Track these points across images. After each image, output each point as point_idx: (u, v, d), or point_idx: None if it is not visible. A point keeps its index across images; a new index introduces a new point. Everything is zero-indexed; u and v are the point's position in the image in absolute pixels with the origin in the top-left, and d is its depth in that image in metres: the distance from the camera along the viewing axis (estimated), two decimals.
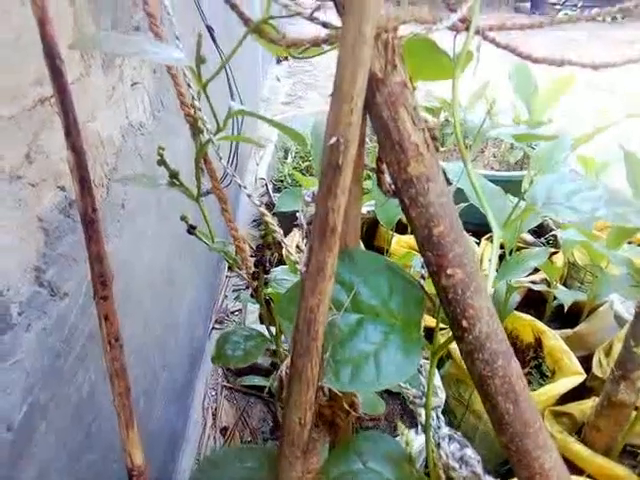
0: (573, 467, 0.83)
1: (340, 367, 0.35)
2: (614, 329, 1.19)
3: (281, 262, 1.50)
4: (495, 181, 1.63)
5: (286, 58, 4.24)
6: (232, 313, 1.45)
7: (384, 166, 0.39)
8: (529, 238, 1.45)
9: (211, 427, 1.10)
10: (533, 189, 0.40)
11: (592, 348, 1.07)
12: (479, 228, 1.27)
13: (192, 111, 0.50)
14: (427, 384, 0.41)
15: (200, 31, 0.41)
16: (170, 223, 0.99)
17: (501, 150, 1.67)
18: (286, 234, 1.46)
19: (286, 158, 2.02)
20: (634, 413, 0.81)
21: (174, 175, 0.54)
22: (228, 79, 1.06)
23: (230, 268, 1.41)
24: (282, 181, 1.76)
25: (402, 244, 1.30)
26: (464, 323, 0.34)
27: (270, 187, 1.67)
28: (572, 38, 4.49)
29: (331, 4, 0.36)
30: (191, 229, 0.58)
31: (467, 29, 0.44)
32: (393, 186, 0.37)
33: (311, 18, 0.39)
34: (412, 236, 1.13)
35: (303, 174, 1.83)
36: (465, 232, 0.36)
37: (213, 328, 1.41)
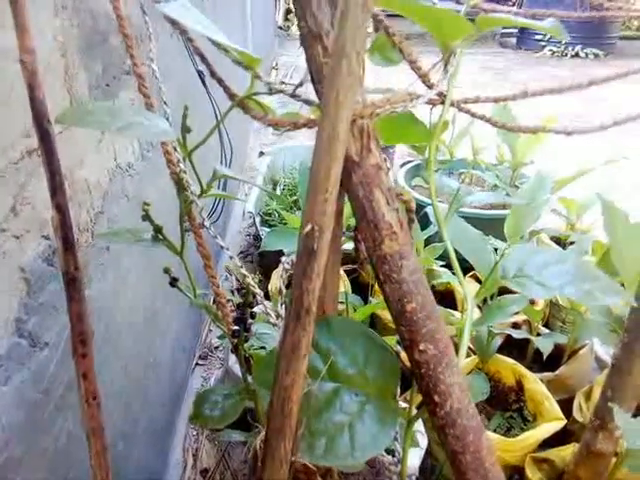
0: None
1: (315, 439, 0.36)
2: (595, 371, 1.20)
3: (266, 298, 1.50)
4: (479, 219, 1.67)
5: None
6: (216, 349, 1.44)
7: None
8: None
9: (192, 468, 1.08)
10: (506, 260, 0.42)
11: (573, 391, 1.08)
12: (462, 264, 1.28)
13: (177, 169, 0.51)
14: (402, 452, 0.41)
15: (186, 105, 0.42)
16: (154, 262, 0.99)
17: (485, 189, 1.71)
18: (272, 269, 1.46)
19: (275, 190, 2.04)
20: (614, 459, 0.82)
21: (158, 230, 0.55)
22: (218, 123, 1.09)
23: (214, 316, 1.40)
24: (270, 214, 1.77)
25: None
26: (436, 398, 0.35)
27: (258, 220, 1.68)
28: (555, 75, 4.62)
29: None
30: (173, 282, 0.58)
31: (443, 103, 0.46)
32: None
33: (294, 95, 0.41)
34: None
35: (291, 207, 1.85)
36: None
37: (197, 364, 1.39)
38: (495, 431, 0.97)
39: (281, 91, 0.40)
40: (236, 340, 0.48)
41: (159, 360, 1.10)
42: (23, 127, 0.58)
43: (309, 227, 0.30)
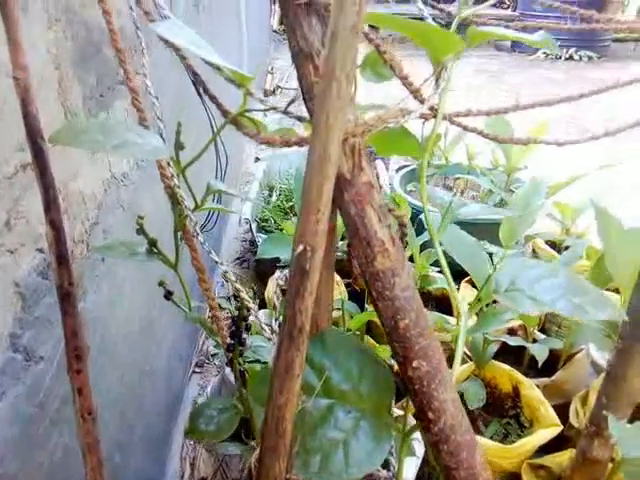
0: None
1: (309, 456, 0.36)
2: (592, 375, 1.21)
3: (262, 305, 1.50)
4: (474, 224, 1.67)
5: (273, 92, 4.31)
6: (213, 356, 1.44)
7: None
8: None
9: (189, 478, 1.08)
10: (498, 273, 0.42)
11: (570, 396, 1.08)
12: (458, 269, 1.29)
13: (171, 183, 0.51)
14: (398, 465, 0.41)
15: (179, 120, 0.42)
16: (150, 271, 0.99)
17: (480, 193, 1.71)
18: (268, 275, 1.46)
19: (271, 196, 2.04)
20: (610, 465, 0.82)
21: (153, 243, 0.55)
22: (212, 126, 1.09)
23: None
24: (267, 220, 1.77)
25: None
26: (430, 415, 0.35)
27: (254, 227, 1.68)
28: (549, 77, 4.64)
29: None
30: (168, 295, 0.58)
31: (435, 117, 0.47)
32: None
33: (286, 112, 0.41)
34: None
35: (286, 213, 1.85)
36: None
37: (193, 372, 1.39)
38: (492, 438, 0.98)
39: (274, 108, 0.41)
40: (231, 354, 0.48)
41: (155, 369, 1.09)
42: (17, 141, 0.57)
43: (301, 247, 0.30)
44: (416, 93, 0.44)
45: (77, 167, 0.71)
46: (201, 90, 0.45)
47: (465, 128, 0.51)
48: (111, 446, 0.82)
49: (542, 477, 0.90)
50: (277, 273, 1.43)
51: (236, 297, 0.60)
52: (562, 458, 0.90)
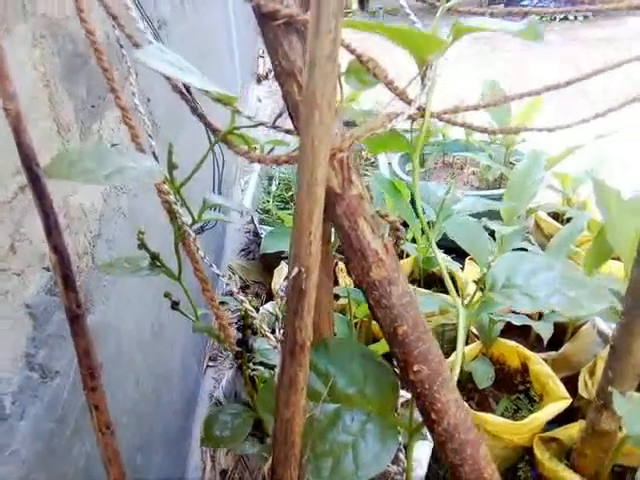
0: None
1: (320, 462, 0.37)
2: (599, 344, 1.22)
3: (270, 297, 1.52)
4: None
5: (266, 77, 4.27)
6: (226, 349, 1.46)
7: None
8: None
9: (211, 471, 1.11)
10: (494, 268, 0.43)
11: (578, 367, 1.09)
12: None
13: (168, 198, 0.52)
14: (407, 461, 0.43)
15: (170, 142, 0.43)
16: (156, 277, 1.01)
17: (480, 168, 1.71)
18: (274, 266, 1.47)
19: (270, 185, 2.04)
20: (619, 434, 0.84)
21: (155, 257, 0.56)
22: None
23: (223, 303, 1.41)
24: (268, 211, 1.78)
25: None
26: (433, 416, 0.36)
27: (256, 218, 1.69)
28: (545, 40, 4.56)
29: None
30: (174, 305, 0.59)
31: (422, 116, 0.47)
32: None
33: (274, 126, 0.41)
34: (400, 263, 1.15)
35: (287, 202, 1.85)
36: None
37: (207, 366, 1.42)
38: (503, 414, 0.99)
39: (262, 123, 0.41)
40: (240, 361, 0.50)
41: (170, 370, 1.12)
42: (13, 165, 0.58)
43: (296, 270, 0.31)
44: (402, 96, 0.45)
45: (75, 182, 0.71)
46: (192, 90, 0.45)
47: (454, 124, 0.51)
48: (132, 449, 0.85)
49: (553, 449, 0.92)
50: (282, 264, 1.45)
51: (244, 288, 0.61)
52: (572, 430, 0.92)
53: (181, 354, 1.21)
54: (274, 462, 0.34)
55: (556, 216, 1.60)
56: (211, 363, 1.44)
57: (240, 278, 1.81)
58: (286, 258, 1.53)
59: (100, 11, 0.60)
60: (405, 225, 1.13)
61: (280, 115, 0.42)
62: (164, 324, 1.08)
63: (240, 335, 0.50)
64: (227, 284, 0.49)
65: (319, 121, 0.28)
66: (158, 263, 0.56)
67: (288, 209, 1.73)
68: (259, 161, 0.38)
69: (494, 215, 1.29)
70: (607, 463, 0.85)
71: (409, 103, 0.45)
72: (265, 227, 1.60)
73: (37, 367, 0.60)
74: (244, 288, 1.75)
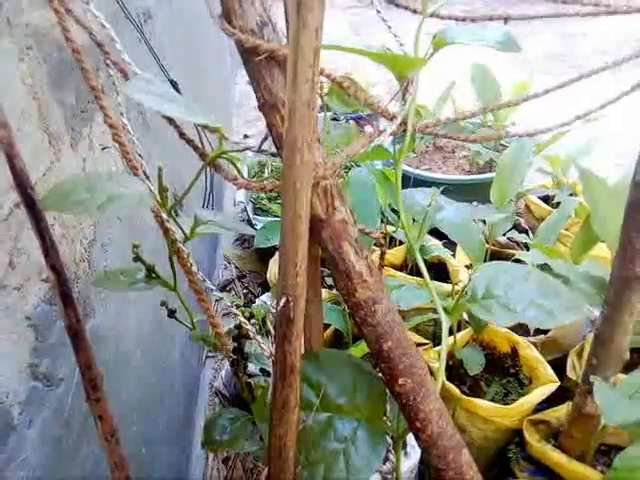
0: (551, 473, 0.90)
1: (314, 468, 0.40)
2: (588, 326, 1.25)
3: (265, 288, 1.54)
4: (465, 184, 1.68)
5: None
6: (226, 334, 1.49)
7: None
8: (502, 239, 1.51)
9: (213, 459, 1.15)
10: (475, 280, 0.45)
11: (567, 349, 1.13)
12: None
13: (161, 214, 0.53)
14: (396, 461, 0.45)
15: (160, 164, 0.43)
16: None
17: (471, 152, 1.72)
18: (269, 256, 1.49)
19: (263, 172, 2.05)
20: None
21: (151, 269, 0.58)
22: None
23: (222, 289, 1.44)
24: (261, 199, 1.79)
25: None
26: (417, 424, 0.39)
27: (249, 208, 1.70)
28: (535, 11, 4.50)
29: None
30: (171, 313, 0.61)
31: (404, 131, 0.48)
32: None
33: (260, 150, 0.43)
34: (394, 251, 1.18)
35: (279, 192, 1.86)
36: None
37: (207, 357, 1.45)
38: (494, 398, 1.03)
39: (248, 148, 0.42)
40: (235, 368, 0.52)
41: (170, 364, 1.15)
42: (6, 182, 0.59)
43: (284, 299, 0.33)
44: (384, 113, 0.46)
45: None
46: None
47: (436, 135, 0.53)
48: (137, 443, 0.88)
49: (542, 431, 0.96)
50: (277, 255, 1.46)
51: (241, 278, 0.63)
52: (560, 412, 0.96)
53: (180, 348, 1.24)
54: (270, 473, 0.37)
55: (546, 198, 1.61)
56: (210, 353, 1.48)
57: (236, 267, 1.84)
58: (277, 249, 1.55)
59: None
60: (395, 212, 1.15)
61: (266, 139, 0.43)
62: (162, 320, 1.11)
63: (235, 344, 0.53)
64: (221, 298, 0.51)
65: (300, 162, 0.30)
66: (154, 275, 0.58)
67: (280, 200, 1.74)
68: (246, 188, 0.39)
69: (486, 198, 1.31)
70: (593, 444, 0.88)
71: (391, 119, 0.47)
72: (258, 218, 1.61)
73: (41, 376, 0.62)
74: (240, 277, 1.77)
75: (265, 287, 1.56)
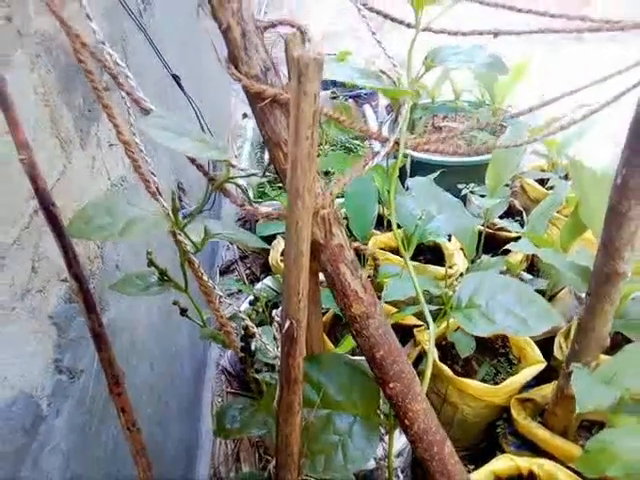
0: (536, 448, 0.97)
1: (315, 458, 0.46)
2: (576, 307, 1.31)
3: (268, 269, 1.59)
4: (461, 166, 1.71)
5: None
6: (230, 319, 1.55)
7: None
8: (497, 221, 1.55)
9: None
10: (461, 289, 0.50)
11: (555, 330, 1.19)
12: None
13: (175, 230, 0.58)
14: (388, 449, 0.51)
15: (173, 187, 0.47)
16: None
17: (468, 135, 1.74)
18: (270, 240, 1.53)
19: (263, 153, 2.07)
20: None
21: (163, 272, 0.62)
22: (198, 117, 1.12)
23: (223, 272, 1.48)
24: (261, 183, 1.82)
25: (380, 244, 1.37)
26: (406, 422, 0.44)
27: (251, 193, 1.73)
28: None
29: None
30: (183, 312, 0.66)
31: (397, 150, 0.52)
32: None
33: (264, 175, 0.47)
34: (391, 235, 1.23)
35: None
36: None
37: None
38: (484, 379, 1.10)
39: (254, 174, 0.46)
40: (244, 365, 0.58)
41: (179, 348, 1.21)
42: (26, 191, 0.63)
43: (288, 323, 0.37)
44: (377, 136, 0.50)
45: (81, 191, 0.76)
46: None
47: (434, 150, 0.56)
48: (152, 425, 0.95)
49: (529, 408, 1.03)
50: (279, 238, 1.51)
51: (243, 257, 0.67)
52: (546, 391, 1.02)
53: (189, 332, 1.30)
54: (277, 466, 0.43)
55: (541, 180, 1.65)
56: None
57: (238, 248, 1.88)
58: (282, 233, 1.59)
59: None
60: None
61: (270, 164, 0.47)
62: (171, 310, 1.16)
63: (243, 344, 0.58)
64: (222, 296, 0.55)
65: (302, 207, 0.34)
66: (166, 278, 0.63)
67: (281, 188, 1.77)
68: (253, 215, 0.44)
69: (483, 180, 1.35)
70: (574, 422, 0.95)
71: (384, 142, 0.51)
72: (260, 202, 1.64)
73: (65, 370, 0.68)
74: (242, 258, 1.82)
75: (267, 267, 1.60)
